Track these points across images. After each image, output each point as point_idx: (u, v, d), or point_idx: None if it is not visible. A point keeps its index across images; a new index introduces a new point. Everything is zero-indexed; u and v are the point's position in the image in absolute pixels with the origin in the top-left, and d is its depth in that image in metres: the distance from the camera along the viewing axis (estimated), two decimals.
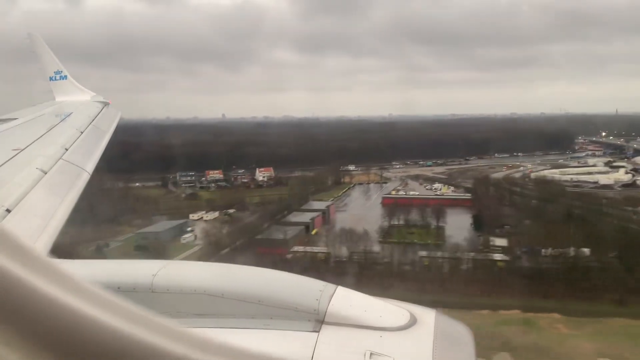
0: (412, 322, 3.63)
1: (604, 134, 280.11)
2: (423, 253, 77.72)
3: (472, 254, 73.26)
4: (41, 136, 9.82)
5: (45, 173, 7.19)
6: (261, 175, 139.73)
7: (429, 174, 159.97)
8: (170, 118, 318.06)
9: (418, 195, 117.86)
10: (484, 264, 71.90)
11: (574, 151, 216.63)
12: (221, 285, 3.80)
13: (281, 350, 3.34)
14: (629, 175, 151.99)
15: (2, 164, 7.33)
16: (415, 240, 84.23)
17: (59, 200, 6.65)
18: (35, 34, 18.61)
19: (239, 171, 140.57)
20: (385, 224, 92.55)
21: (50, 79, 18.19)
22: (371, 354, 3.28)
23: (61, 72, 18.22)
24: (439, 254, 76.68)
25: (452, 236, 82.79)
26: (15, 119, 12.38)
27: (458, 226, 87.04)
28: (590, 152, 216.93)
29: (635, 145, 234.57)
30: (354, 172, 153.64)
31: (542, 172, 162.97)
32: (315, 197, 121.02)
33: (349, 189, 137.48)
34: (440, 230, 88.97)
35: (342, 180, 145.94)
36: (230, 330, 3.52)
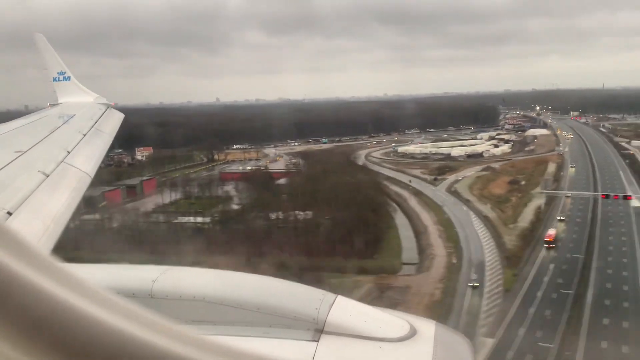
0: (412, 333, 3.60)
1: (537, 108, 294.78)
2: (183, 219, 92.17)
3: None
4: (44, 138, 9.76)
5: (47, 176, 7.17)
6: (140, 154, 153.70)
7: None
8: (164, 103, 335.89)
9: (249, 169, 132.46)
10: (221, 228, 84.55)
11: (494, 126, 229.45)
12: (220, 292, 3.80)
13: (280, 358, 3.30)
14: (491, 147, 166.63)
15: (4, 166, 7.28)
16: (194, 210, 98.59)
17: (60, 203, 6.64)
18: (40, 35, 18.18)
19: (117, 150, 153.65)
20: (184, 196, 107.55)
21: (54, 79, 17.87)
22: None
23: (64, 73, 17.99)
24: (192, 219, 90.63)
25: (229, 205, 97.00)
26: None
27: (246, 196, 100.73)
28: (504, 126, 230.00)
29: (544, 118, 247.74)
30: (236, 151, 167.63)
31: (412, 145, 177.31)
32: (180, 172, 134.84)
33: (214, 165, 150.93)
34: (223, 200, 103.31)
35: (215, 158, 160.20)
36: (228, 338, 3.34)
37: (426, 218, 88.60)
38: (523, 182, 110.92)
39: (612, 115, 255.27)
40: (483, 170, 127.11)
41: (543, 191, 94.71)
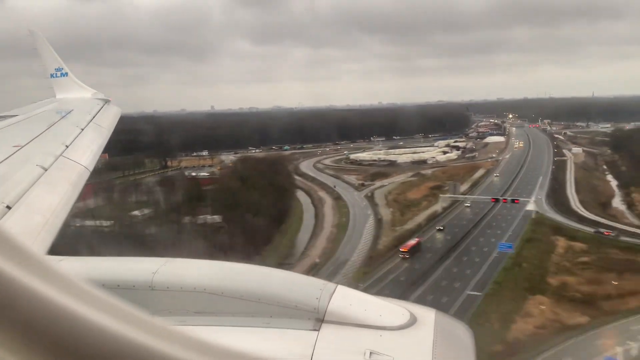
0: (412, 321, 3.62)
1: (510, 116, 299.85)
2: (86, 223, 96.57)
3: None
4: (42, 133, 9.75)
5: (46, 170, 7.16)
6: None
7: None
8: (157, 111, 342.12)
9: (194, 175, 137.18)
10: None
11: (461, 133, 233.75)
12: (221, 283, 3.79)
13: (281, 348, 3.35)
14: (440, 154, 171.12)
15: (3, 161, 7.27)
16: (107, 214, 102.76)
17: (59, 197, 6.64)
18: (37, 32, 18.15)
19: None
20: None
21: (51, 76, 17.87)
22: (371, 353, 3.28)
23: (62, 69, 17.95)
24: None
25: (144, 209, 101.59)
26: (15, 115, 12.52)
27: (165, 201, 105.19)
28: (468, 134, 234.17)
29: (508, 126, 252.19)
30: (193, 158, 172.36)
31: (365, 153, 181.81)
32: (126, 178, 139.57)
33: (165, 172, 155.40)
34: (143, 205, 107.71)
35: (168, 164, 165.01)
36: (230, 329, 3.53)
37: (329, 221, 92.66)
38: (446, 188, 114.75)
39: (579, 123, 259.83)
40: (413, 176, 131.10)
41: (447, 196, 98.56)
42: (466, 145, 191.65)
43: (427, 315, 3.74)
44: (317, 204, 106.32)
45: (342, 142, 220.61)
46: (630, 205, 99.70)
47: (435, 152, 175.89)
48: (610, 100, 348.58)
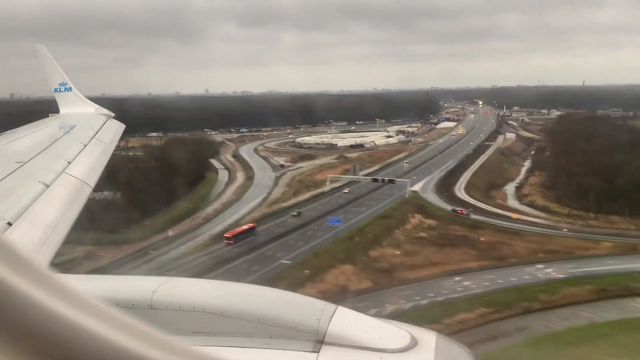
0: (413, 344, 3.58)
1: (480, 103, 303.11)
2: None
3: None
4: (45, 149, 9.80)
5: (48, 186, 7.17)
6: None
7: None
8: (152, 94, 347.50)
9: None
10: None
11: (424, 119, 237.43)
12: (221, 303, 3.78)
13: None
14: (382, 138, 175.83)
15: (5, 177, 7.28)
16: None
17: (60, 213, 6.64)
18: (41, 46, 18.43)
19: None
20: None
21: (55, 90, 18.06)
22: None
23: (66, 84, 18.12)
24: None
25: None
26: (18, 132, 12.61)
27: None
28: (428, 119, 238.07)
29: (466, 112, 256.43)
30: (143, 138, 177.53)
31: (312, 136, 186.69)
32: None
33: None
34: None
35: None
36: (229, 349, 3.51)
37: (222, 200, 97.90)
38: (361, 170, 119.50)
39: (543, 110, 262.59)
40: (336, 159, 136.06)
41: (335, 177, 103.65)
42: (414, 130, 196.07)
43: (428, 338, 3.74)
44: (226, 185, 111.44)
45: (303, 126, 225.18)
46: (518, 188, 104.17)
47: (379, 136, 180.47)
48: (595, 89, 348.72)
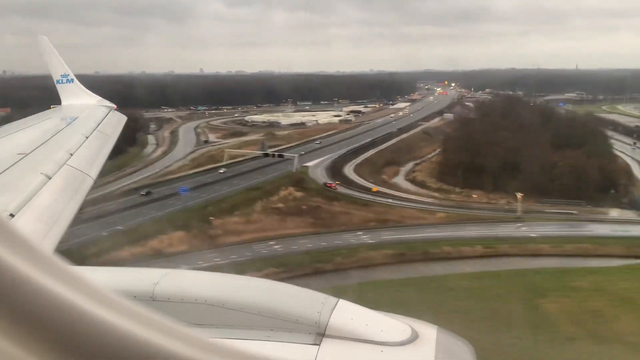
0: (414, 337, 3.62)
1: (453, 85, 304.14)
2: None
3: None
4: (46, 141, 9.81)
5: (50, 178, 7.17)
6: None
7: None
8: (146, 72, 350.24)
9: None
10: None
11: (388, 100, 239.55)
12: (222, 295, 3.82)
13: None
14: (328, 117, 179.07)
15: (7, 169, 7.30)
16: None
17: (62, 205, 6.64)
18: (44, 37, 18.29)
19: None
20: None
21: (57, 82, 17.90)
22: None
23: (68, 75, 17.98)
24: None
25: None
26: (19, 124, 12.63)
27: None
28: (388, 101, 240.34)
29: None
30: None
31: (262, 115, 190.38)
32: None
33: None
34: None
35: None
36: (230, 341, 3.35)
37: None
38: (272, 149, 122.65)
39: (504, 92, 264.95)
40: (263, 136, 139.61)
41: (231, 151, 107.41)
42: (366, 111, 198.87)
43: (429, 331, 3.76)
44: (136, 159, 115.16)
45: (266, 105, 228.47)
46: (416, 165, 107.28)
47: (326, 116, 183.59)
48: (587, 73, 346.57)
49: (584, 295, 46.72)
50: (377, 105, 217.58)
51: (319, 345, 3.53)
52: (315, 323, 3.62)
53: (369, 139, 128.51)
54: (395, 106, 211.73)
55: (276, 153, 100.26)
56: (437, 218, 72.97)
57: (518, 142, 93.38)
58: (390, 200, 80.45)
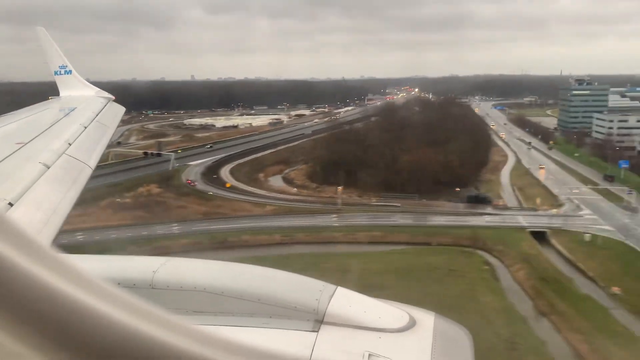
0: (411, 324, 3.67)
1: (415, 90, 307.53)
2: None
3: None
4: (45, 130, 9.80)
5: (49, 167, 7.16)
6: None
7: None
8: (137, 79, 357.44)
9: None
10: None
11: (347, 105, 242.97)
12: (221, 283, 3.83)
13: (280, 349, 3.31)
14: (265, 121, 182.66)
15: (6, 158, 7.31)
16: None
17: (61, 194, 6.64)
18: (41, 29, 18.26)
19: None
20: None
21: (55, 73, 17.84)
22: (370, 355, 3.30)
23: (66, 66, 17.91)
24: None
25: None
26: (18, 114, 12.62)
27: None
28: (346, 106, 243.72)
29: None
30: None
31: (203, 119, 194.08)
32: None
33: None
34: None
35: None
36: (229, 328, 3.52)
37: None
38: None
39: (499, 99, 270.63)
40: (182, 137, 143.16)
41: (119, 150, 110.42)
42: (309, 114, 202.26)
43: (426, 318, 3.81)
44: None
45: (218, 110, 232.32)
46: (305, 165, 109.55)
47: (263, 119, 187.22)
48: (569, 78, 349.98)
49: (320, 274, 48.79)
50: (324, 110, 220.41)
51: (317, 332, 3.56)
52: (314, 310, 3.66)
53: (280, 139, 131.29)
54: (342, 110, 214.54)
55: (154, 152, 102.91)
56: (264, 210, 75.32)
57: (390, 141, 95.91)
58: (233, 195, 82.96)
